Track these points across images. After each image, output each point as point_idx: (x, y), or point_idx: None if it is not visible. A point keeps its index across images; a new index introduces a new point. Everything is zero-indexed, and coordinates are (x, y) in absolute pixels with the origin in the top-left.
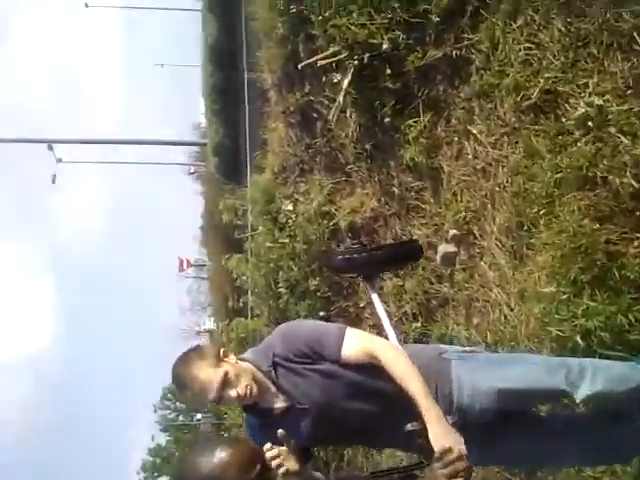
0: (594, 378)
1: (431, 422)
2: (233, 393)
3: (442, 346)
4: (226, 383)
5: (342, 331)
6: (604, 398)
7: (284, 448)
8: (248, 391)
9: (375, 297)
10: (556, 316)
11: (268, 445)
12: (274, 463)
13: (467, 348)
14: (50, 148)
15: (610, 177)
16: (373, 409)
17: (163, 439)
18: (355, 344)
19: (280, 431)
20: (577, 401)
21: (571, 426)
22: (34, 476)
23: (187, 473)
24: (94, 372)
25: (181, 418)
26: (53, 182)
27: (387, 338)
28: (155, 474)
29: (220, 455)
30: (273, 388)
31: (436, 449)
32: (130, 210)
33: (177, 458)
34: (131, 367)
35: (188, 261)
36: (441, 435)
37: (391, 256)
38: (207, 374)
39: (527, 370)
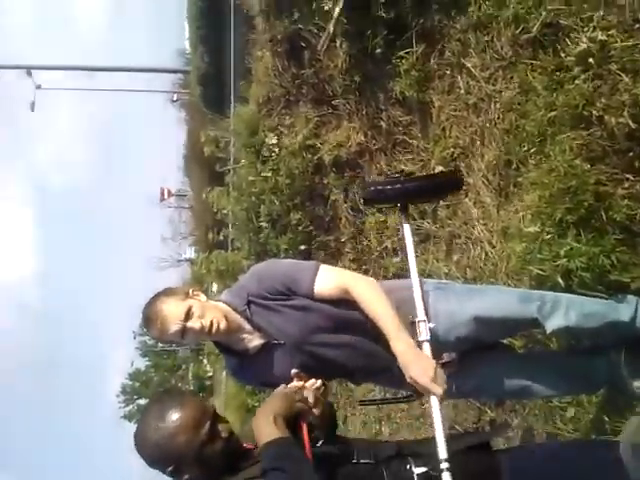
0: (567, 312)
1: (398, 352)
2: (197, 324)
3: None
4: (190, 316)
5: (315, 267)
6: (576, 332)
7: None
8: (214, 325)
9: (407, 228)
10: (538, 255)
11: (294, 371)
12: (303, 393)
13: (444, 281)
14: (29, 74)
15: (606, 117)
16: (350, 341)
17: (142, 364)
18: (328, 279)
19: (294, 371)
20: (547, 332)
21: (543, 358)
22: (18, 400)
23: (139, 446)
24: (75, 300)
25: (160, 344)
26: (32, 109)
27: (409, 272)
28: (135, 397)
29: (167, 423)
30: (248, 327)
31: (407, 379)
32: (111, 139)
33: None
34: (112, 295)
35: (169, 191)
36: (409, 364)
37: (426, 188)
38: (171, 307)
39: (502, 300)
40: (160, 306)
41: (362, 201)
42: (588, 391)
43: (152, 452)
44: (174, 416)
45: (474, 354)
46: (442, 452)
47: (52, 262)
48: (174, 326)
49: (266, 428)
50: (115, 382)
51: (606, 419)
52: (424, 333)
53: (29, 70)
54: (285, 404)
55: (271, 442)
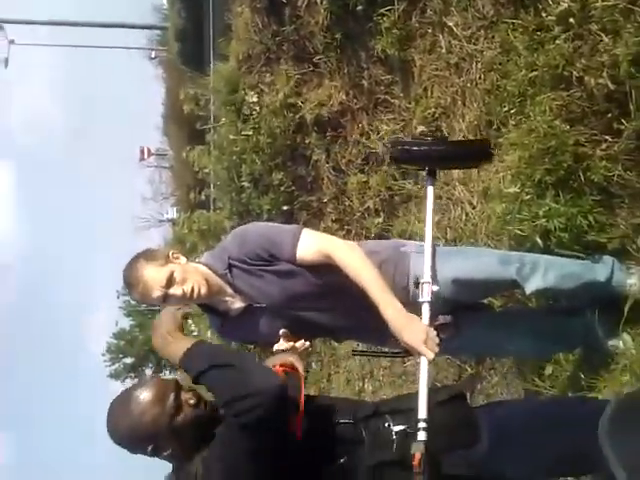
0: (546, 273)
1: (389, 317)
2: (178, 291)
3: (401, 240)
4: (172, 282)
5: (297, 232)
6: (554, 293)
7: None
8: (195, 290)
9: (430, 190)
10: (517, 216)
11: (283, 331)
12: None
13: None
14: (1, 28)
15: (586, 77)
16: (333, 305)
17: (127, 324)
18: (310, 244)
19: (282, 331)
20: (527, 293)
21: (521, 317)
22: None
23: (114, 437)
24: (56, 261)
25: (143, 305)
26: (5, 66)
27: (425, 236)
28: (120, 355)
29: (132, 406)
30: (230, 290)
31: (401, 342)
32: (88, 96)
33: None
34: (94, 255)
35: (149, 150)
36: (402, 329)
37: (454, 154)
38: (152, 273)
39: (482, 262)
40: (141, 271)
41: (389, 159)
42: (564, 350)
43: (127, 437)
44: (137, 398)
45: (454, 315)
46: (422, 412)
47: (31, 222)
48: (156, 292)
49: (176, 345)
50: (100, 341)
51: (582, 376)
52: (426, 294)
53: (1, 24)
54: (172, 321)
55: (191, 348)
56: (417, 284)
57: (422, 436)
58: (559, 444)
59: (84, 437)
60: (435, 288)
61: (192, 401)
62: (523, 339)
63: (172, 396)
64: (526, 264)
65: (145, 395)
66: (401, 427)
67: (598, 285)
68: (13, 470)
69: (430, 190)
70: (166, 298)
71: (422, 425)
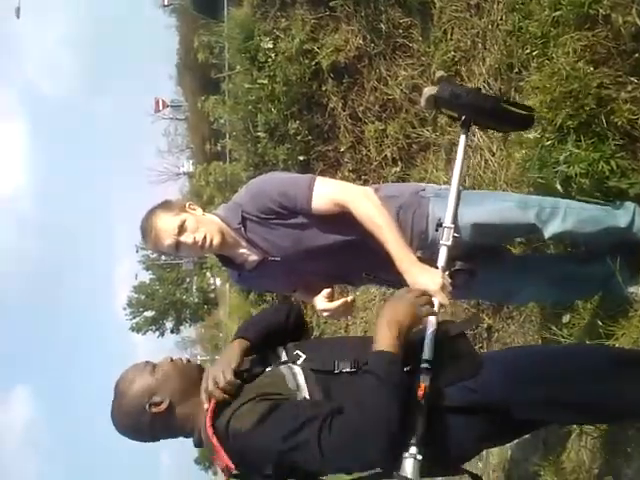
0: (565, 217)
1: (404, 269)
2: (189, 239)
3: (420, 184)
4: (183, 229)
5: (311, 182)
6: (573, 238)
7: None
8: (208, 239)
9: (462, 139)
10: (538, 162)
11: (327, 291)
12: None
13: (444, 186)
14: None
15: (613, 15)
16: (347, 257)
17: (147, 277)
18: (325, 194)
19: (327, 291)
20: (546, 237)
21: (540, 264)
22: (28, 316)
23: (119, 425)
24: (74, 214)
25: (163, 257)
26: (17, 16)
27: (452, 181)
28: (140, 309)
29: (119, 390)
30: (244, 243)
31: None
32: (101, 47)
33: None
34: (112, 209)
35: (164, 102)
36: (416, 279)
37: (497, 112)
38: (165, 221)
39: (501, 206)
40: (155, 220)
41: (433, 98)
42: (583, 296)
43: (129, 413)
44: (122, 383)
45: (472, 258)
46: (427, 353)
47: (48, 175)
48: (167, 240)
49: (387, 339)
50: (122, 295)
51: (600, 324)
52: (446, 238)
53: None
54: (411, 316)
55: (390, 356)
56: (438, 226)
57: (426, 380)
58: (565, 390)
59: (105, 391)
60: (456, 234)
61: (167, 358)
62: (541, 284)
63: (144, 362)
64: (545, 208)
65: (125, 376)
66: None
67: (619, 230)
68: (39, 422)
69: (462, 138)
70: (178, 246)
71: (425, 365)
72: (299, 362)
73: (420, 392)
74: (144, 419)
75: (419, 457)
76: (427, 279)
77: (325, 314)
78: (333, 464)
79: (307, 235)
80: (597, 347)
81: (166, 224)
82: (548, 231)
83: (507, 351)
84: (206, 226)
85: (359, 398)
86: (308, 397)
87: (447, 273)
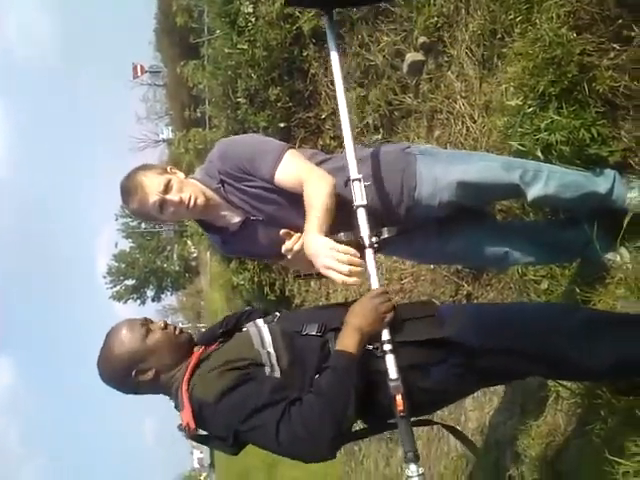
0: (547, 181)
1: (305, 241)
2: (175, 197)
3: (405, 143)
4: (169, 188)
5: (281, 152)
6: (554, 203)
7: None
8: (193, 198)
9: (330, 34)
10: (519, 129)
11: (284, 230)
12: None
13: (428, 146)
14: None
15: None
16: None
17: (127, 245)
18: (290, 169)
19: (283, 231)
20: (528, 199)
21: (522, 228)
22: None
23: (103, 376)
24: (53, 185)
25: (143, 225)
26: None
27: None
28: (121, 277)
29: (109, 346)
30: (225, 204)
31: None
32: (78, 9)
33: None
34: (90, 178)
35: (142, 67)
36: (313, 256)
37: None
38: (150, 179)
39: (486, 166)
40: (140, 178)
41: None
42: (563, 261)
43: (115, 371)
44: (114, 338)
45: (457, 218)
46: (385, 334)
47: (24, 144)
48: (153, 196)
49: (350, 342)
50: (102, 263)
51: (577, 290)
52: (359, 196)
53: None
54: (374, 323)
55: (351, 355)
56: (348, 181)
57: (390, 360)
58: (535, 342)
59: (85, 358)
60: (366, 184)
61: (161, 324)
62: (523, 248)
63: (139, 323)
64: (529, 170)
65: (118, 333)
66: (369, 347)
67: (598, 197)
68: (15, 389)
69: (330, 34)
70: (163, 204)
71: (388, 347)
72: (275, 320)
73: (399, 405)
74: (128, 380)
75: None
76: (316, 247)
77: (289, 255)
78: (287, 451)
79: (278, 198)
80: (575, 307)
81: (152, 181)
82: (531, 194)
83: (485, 304)
84: (190, 187)
85: (318, 389)
86: (273, 352)
87: (373, 240)
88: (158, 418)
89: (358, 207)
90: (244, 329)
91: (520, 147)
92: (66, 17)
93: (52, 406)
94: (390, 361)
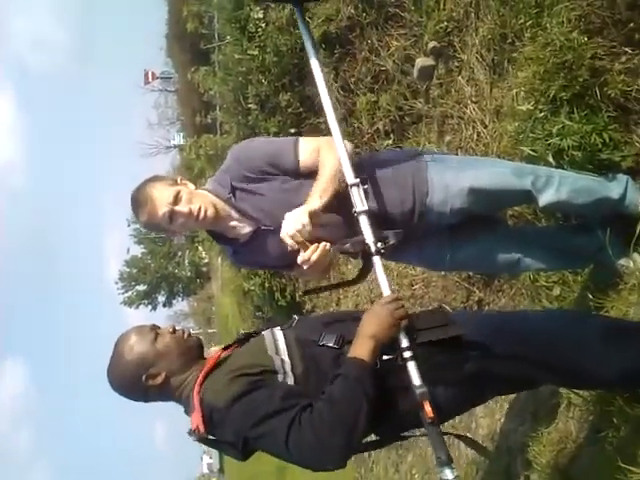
0: (559, 187)
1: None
2: (185, 209)
3: (417, 148)
4: (178, 199)
5: (295, 140)
6: (566, 208)
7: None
8: (202, 210)
9: (302, 27)
10: (530, 134)
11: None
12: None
13: (439, 152)
14: None
15: None
16: (336, 219)
17: (138, 251)
18: (308, 147)
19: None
20: (540, 206)
21: (534, 233)
22: (20, 287)
23: (115, 383)
24: (66, 191)
25: (153, 233)
26: None
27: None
28: (132, 283)
29: (119, 353)
30: (236, 215)
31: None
32: (89, 17)
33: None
34: (101, 183)
35: (153, 73)
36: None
37: None
38: (160, 190)
39: (496, 172)
40: (149, 190)
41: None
42: (575, 266)
43: (124, 377)
44: (123, 345)
45: (469, 225)
46: (404, 341)
47: (37, 149)
48: (163, 208)
49: (364, 350)
50: (113, 269)
51: (590, 297)
52: (358, 202)
53: None
54: (388, 330)
55: (363, 363)
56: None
57: (412, 367)
58: (550, 351)
59: (95, 364)
60: (365, 187)
61: (170, 329)
62: (535, 254)
63: (148, 329)
64: (541, 176)
65: (127, 339)
66: (388, 357)
67: (610, 202)
68: (25, 394)
69: (302, 27)
70: (173, 216)
71: (408, 354)
72: (292, 325)
73: (429, 414)
74: (138, 386)
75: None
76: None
77: (305, 266)
78: (296, 459)
79: (297, 199)
80: (587, 315)
81: (161, 193)
82: (542, 200)
83: (500, 312)
84: (200, 199)
85: (329, 397)
86: (287, 360)
87: (379, 246)
88: (168, 423)
89: (360, 213)
90: (261, 333)
91: (531, 152)
92: (77, 24)
93: (62, 410)
94: (412, 368)
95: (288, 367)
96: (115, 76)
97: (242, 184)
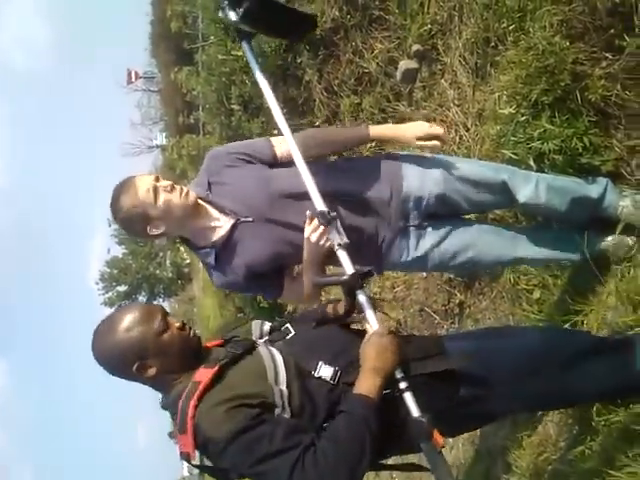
0: (538, 184)
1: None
2: (167, 182)
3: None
4: (160, 180)
5: (267, 138)
6: (546, 206)
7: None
8: (184, 191)
9: (249, 56)
10: (512, 138)
11: (309, 212)
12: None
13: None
14: None
15: None
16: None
17: (119, 252)
18: (281, 139)
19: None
20: (520, 201)
21: (517, 229)
22: None
23: (99, 352)
24: (47, 191)
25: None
26: None
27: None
28: (113, 284)
29: (120, 323)
30: (215, 212)
31: None
32: (73, 14)
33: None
34: (84, 183)
35: (137, 73)
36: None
37: (283, 15)
38: (142, 177)
39: (473, 164)
40: (131, 178)
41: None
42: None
43: (112, 353)
44: (124, 317)
45: (452, 218)
46: (398, 372)
47: (18, 148)
48: (146, 185)
49: (369, 385)
50: (93, 269)
51: (570, 301)
52: (336, 235)
53: None
54: (393, 361)
55: (369, 401)
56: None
57: (409, 397)
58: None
59: (78, 365)
60: (334, 214)
61: (178, 324)
62: (518, 245)
63: (159, 316)
64: (518, 174)
65: (133, 314)
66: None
67: (590, 202)
68: (4, 392)
69: (249, 55)
70: (156, 190)
71: (404, 385)
72: (287, 337)
73: (439, 441)
74: (126, 370)
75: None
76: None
77: (313, 238)
78: None
79: (274, 185)
80: (557, 336)
81: (144, 177)
82: (522, 194)
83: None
84: (180, 186)
85: (334, 437)
86: (286, 391)
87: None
88: (150, 423)
89: (339, 247)
90: (257, 348)
91: (513, 155)
92: (60, 23)
93: (41, 409)
94: (409, 399)
95: (286, 400)
96: (98, 75)
97: (218, 177)
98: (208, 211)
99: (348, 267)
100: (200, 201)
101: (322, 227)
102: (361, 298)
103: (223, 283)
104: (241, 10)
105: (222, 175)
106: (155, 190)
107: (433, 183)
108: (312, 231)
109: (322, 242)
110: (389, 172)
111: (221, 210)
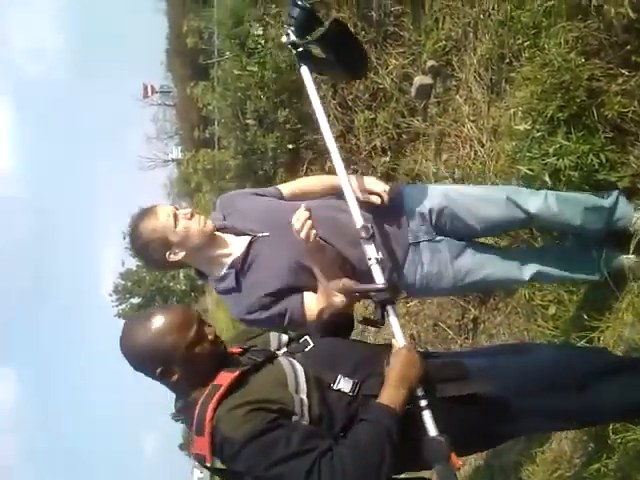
0: (547, 197)
1: None
2: (187, 210)
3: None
4: (177, 217)
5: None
6: (558, 218)
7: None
8: (202, 220)
9: (305, 71)
10: (527, 154)
11: (303, 204)
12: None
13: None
14: None
15: (605, 6)
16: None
17: (133, 264)
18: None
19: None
20: (531, 211)
21: (529, 249)
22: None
23: (127, 347)
24: (62, 202)
25: None
26: None
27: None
28: (127, 296)
29: (156, 324)
30: (230, 237)
31: None
32: (89, 30)
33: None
34: (99, 195)
35: (153, 87)
36: None
37: (343, 52)
38: (162, 207)
39: (476, 187)
40: (152, 206)
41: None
42: (577, 276)
43: (141, 351)
44: (162, 319)
45: (472, 243)
46: (419, 390)
47: (33, 160)
48: (167, 211)
49: (394, 396)
50: (108, 281)
51: (585, 317)
52: (371, 250)
53: None
54: (418, 376)
55: (393, 412)
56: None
57: (428, 416)
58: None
59: (90, 376)
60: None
61: (211, 336)
62: (533, 261)
63: (196, 326)
64: (523, 192)
65: (170, 318)
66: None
67: (603, 212)
68: (20, 404)
69: (308, 81)
70: (176, 216)
71: (424, 403)
72: (306, 350)
73: (456, 462)
74: (149, 371)
75: None
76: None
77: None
78: None
79: (285, 208)
80: (574, 357)
81: (163, 206)
82: (532, 205)
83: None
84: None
85: (354, 443)
86: (306, 401)
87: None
88: (158, 434)
89: (373, 263)
90: (278, 358)
91: (528, 171)
92: (77, 35)
93: (51, 419)
94: (428, 417)
95: (306, 409)
96: (114, 88)
97: (231, 208)
98: (225, 240)
99: (381, 280)
100: (217, 232)
101: (309, 220)
102: (391, 311)
103: (242, 309)
104: (317, 34)
105: (235, 205)
106: (175, 216)
107: (435, 198)
108: (296, 219)
109: (306, 230)
110: (393, 224)
111: (237, 233)
